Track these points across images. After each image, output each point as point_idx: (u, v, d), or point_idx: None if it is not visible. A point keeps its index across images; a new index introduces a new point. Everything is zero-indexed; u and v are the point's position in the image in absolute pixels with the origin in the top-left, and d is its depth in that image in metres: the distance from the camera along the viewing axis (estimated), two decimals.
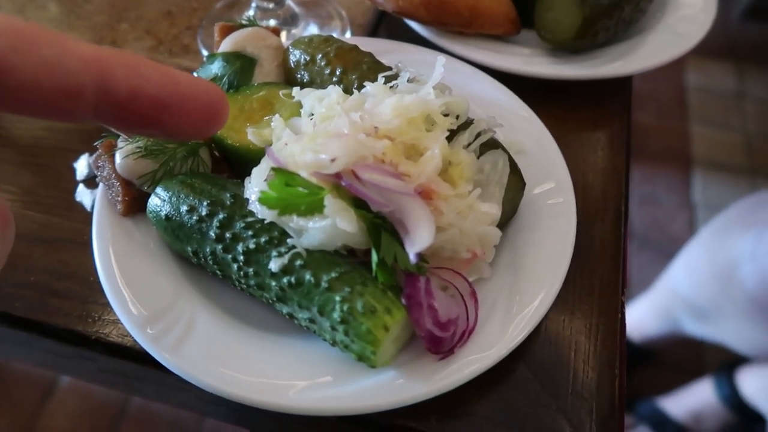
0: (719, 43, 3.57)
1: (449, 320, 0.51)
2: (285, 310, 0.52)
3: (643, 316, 1.79)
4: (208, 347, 0.52)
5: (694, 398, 1.73)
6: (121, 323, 0.56)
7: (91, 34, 0.85)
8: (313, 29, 0.86)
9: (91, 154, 0.72)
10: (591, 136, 0.78)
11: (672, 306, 1.61)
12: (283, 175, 0.49)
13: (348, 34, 0.86)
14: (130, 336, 0.58)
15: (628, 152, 0.77)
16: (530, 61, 0.79)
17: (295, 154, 0.54)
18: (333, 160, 0.50)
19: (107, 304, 0.59)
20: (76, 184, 0.70)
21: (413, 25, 0.83)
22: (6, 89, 0.26)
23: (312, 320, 0.51)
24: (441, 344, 0.50)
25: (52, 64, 0.26)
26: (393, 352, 0.51)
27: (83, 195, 0.68)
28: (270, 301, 0.53)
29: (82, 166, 0.71)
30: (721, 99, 3.28)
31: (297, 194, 0.49)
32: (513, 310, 0.55)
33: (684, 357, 2.07)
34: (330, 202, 0.49)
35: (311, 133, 0.57)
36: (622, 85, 0.84)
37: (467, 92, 0.68)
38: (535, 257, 0.59)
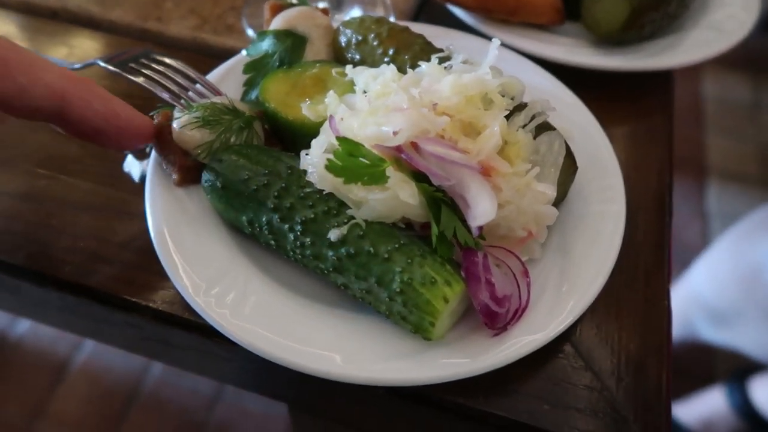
0: (736, 53, 3.56)
1: (505, 296, 0.51)
2: (340, 280, 0.53)
3: None
4: (262, 314, 0.52)
5: (706, 405, 1.72)
6: (173, 290, 0.57)
7: (136, 11, 0.86)
8: (356, 13, 0.86)
9: None
10: (633, 128, 0.78)
11: (689, 311, 1.61)
12: (347, 144, 0.50)
13: (391, 19, 0.86)
14: (178, 304, 0.58)
15: (671, 145, 0.77)
16: (574, 51, 0.80)
17: (354, 127, 0.54)
18: (396, 133, 0.51)
19: (157, 272, 0.60)
20: (123, 155, 0.70)
21: (457, 11, 0.83)
22: None
23: (368, 291, 0.51)
24: (497, 319, 0.51)
25: (22, 90, 0.37)
26: (448, 325, 0.51)
27: (131, 166, 0.69)
28: (325, 272, 0.53)
29: None
30: (737, 109, 3.27)
31: (360, 165, 0.50)
32: (563, 292, 0.55)
33: (695, 364, 2.06)
34: (392, 173, 0.50)
35: (368, 108, 0.57)
36: (663, 78, 0.84)
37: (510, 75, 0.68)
38: (585, 241, 0.59)
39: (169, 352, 0.64)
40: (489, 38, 0.79)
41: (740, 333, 1.46)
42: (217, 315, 0.52)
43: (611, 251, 0.58)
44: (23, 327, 2.03)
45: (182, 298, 0.55)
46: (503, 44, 0.78)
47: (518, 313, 0.53)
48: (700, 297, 1.52)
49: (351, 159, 0.49)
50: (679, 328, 1.72)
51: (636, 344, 0.59)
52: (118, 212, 0.66)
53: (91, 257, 0.62)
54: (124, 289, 0.60)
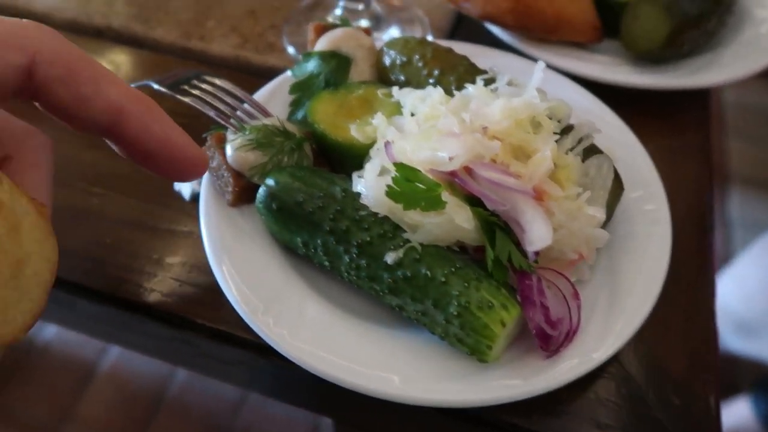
0: None
1: (558, 319, 0.52)
2: (395, 302, 0.54)
3: None
4: (319, 335, 0.54)
5: (731, 416, 1.71)
6: (228, 308, 0.58)
7: (179, 30, 0.88)
8: (395, 32, 0.88)
9: None
10: (671, 145, 0.79)
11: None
12: (404, 170, 0.51)
13: (429, 38, 0.87)
14: (234, 323, 0.60)
15: (710, 162, 0.78)
16: (612, 69, 0.80)
17: (407, 151, 0.55)
18: (452, 158, 0.52)
19: (211, 290, 0.61)
20: None
21: (495, 29, 0.84)
22: (44, 105, 0.37)
23: (424, 313, 0.52)
24: (551, 342, 0.51)
25: (83, 100, 0.36)
26: (503, 348, 0.52)
27: (182, 185, 0.71)
28: (380, 293, 0.55)
29: None
30: (760, 116, 3.24)
31: (417, 190, 0.51)
32: (613, 313, 0.56)
33: (720, 373, 2.05)
34: (448, 198, 0.51)
35: (419, 131, 0.58)
36: (700, 95, 0.85)
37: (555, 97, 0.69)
38: (632, 263, 0.60)
39: (220, 368, 0.66)
40: (527, 56, 0.80)
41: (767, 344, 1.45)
42: (275, 335, 0.53)
43: (659, 274, 0.58)
44: (50, 332, 2.06)
45: (237, 316, 0.56)
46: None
47: (570, 336, 0.53)
48: (728, 308, 1.51)
49: (408, 184, 0.51)
50: None
51: (683, 365, 0.59)
52: (171, 231, 0.67)
53: (146, 275, 0.64)
54: (179, 306, 0.62)
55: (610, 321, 0.55)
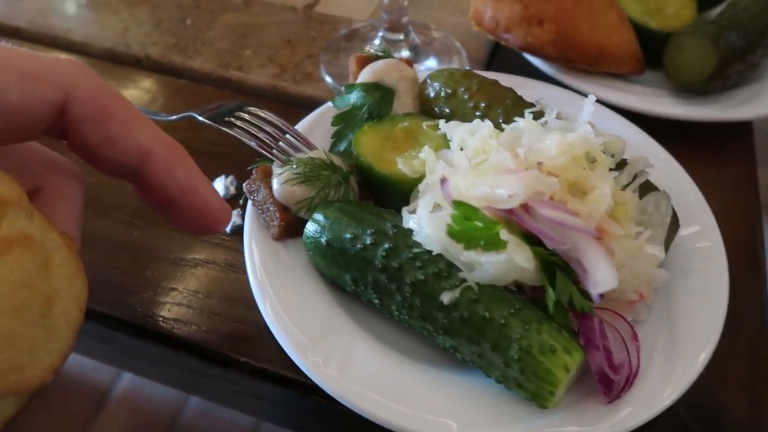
0: None
1: (620, 363, 0.50)
2: (449, 343, 0.52)
3: None
4: (371, 376, 0.52)
5: None
6: (272, 345, 0.57)
7: (216, 60, 0.88)
8: (432, 63, 0.87)
9: (227, 176, 0.73)
10: (718, 178, 0.77)
11: None
12: (463, 208, 0.49)
13: (467, 69, 0.87)
14: (278, 361, 0.58)
15: (758, 194, 0.76)
16: (655, 100, 0.79)
17: (461, 187, 0.54)
18: (511, 195, 0.50)
19: (255, 325, 0.60)
20: None
21: (534, 60, 0.83)
22: (72, 144, 0.36)
23: (480, 355, 0.50)
24: (613, 387, 0.49)
25: (112, 141, 0.35)
26: (563, 393, 0.50)
27: None
28: (433, 333, 0.53)
29: (218, 187, 0.72)
30: None
31: (475, 228, 0.50)
32: (673, 357, 0.54)
33: None
34: (508, 237, 0.49)
35: (470, 166, 0.57)
36: (744, 127, 0.83)
37: (602, 131, 0.68)
38: (690, 303, 0.58)
39: (260, 405, 0.64)
40: (567, 87, 0.79)
41: None
42: (325, 377, 0.51)
43: (718, 315, 0.56)
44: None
45: (281, 353, 0.54)
46: (582, 94, 0.78)
47: (630, 380, 0.51)
48: None
49: (467, 223, 0.49)
50: None
51: (744, 411, 0.57)
52: (212, 264, 0.66)
53: (186, 309, 0.62)
54: (221, 343, 0.60)
55: (670, 365, 0.53)
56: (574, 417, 0.50)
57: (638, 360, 0.53)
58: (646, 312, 0.56)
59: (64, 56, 0.35)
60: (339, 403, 0.51)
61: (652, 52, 0.81)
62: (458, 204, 0.50)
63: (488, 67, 0.91)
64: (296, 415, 0.65)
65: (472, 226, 0.49)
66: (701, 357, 0.53)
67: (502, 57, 0.92)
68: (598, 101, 0.76)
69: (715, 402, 0.57)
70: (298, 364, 0.53)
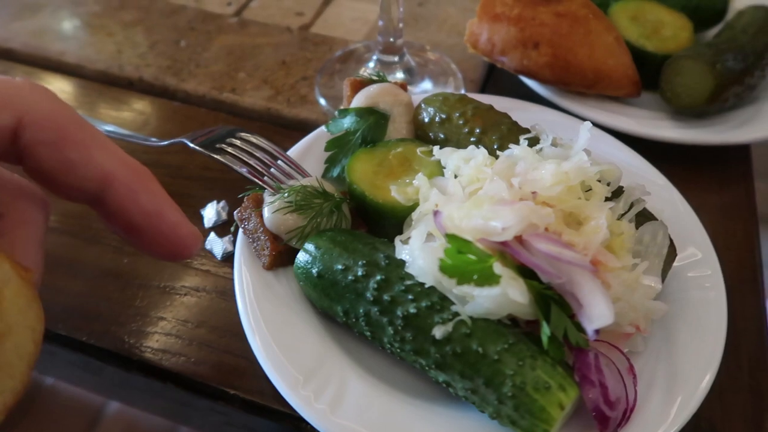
0: None
1: (617, 398, 0.49)
2: (442, 377, 0.51)
3: None
4: (363, 411, 0.51)
5: None
6: (262, 378, 0.56)
7: (211, 82, 0.87)
8: (427, 85, 0.87)
9: (218, 202, 0.72)
10: (716, 202, 0.76)
11: None
12: (456, 241, 0.49)
13: (462, 91, 0.86)
14: (268, 393, 0.57)
15: (756, 219, 0.75)
16: (651, 123, 0.78)
17: (455, 217, 0.53)
18: (505, 228, 0.49)
19: (245, 357, 0.59)
20: (206, 231, 0.70)
21: (530, 83, 0.83)
22: (29, 170, 0.34)
23: (474, 391, 0.49)
24: (609, 423, 0.48)
25: (70, 166, 0.33)
26: (559, 430, 0.49)
27: (213, 243, 0.69)
28: (426, 368, 0.52)
29: (210, 213, 0.71)
30: None
31: (468, 261, 0.49)
32: (671, 389, 0.53)
33: None
34: (500, 270, 0.48)
35: (464, 195, 0.56)
36: (741, 150, 0.83)
37: (598, 156, 0.67)
38: (688, 333, 0.56)
39: None
40: (564, 110, 0.78)
41: None
42: (316, 412, 0.50)
43: (717, 344, 0.55)
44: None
45: (272, 386, 0.53)
46: (579, 117, 0.77)
47: (627, 415, 0.50)
48: None
49: (460, 256, 0.48)
50: None
51: None
52: (202, 292, 0.65)
53: (176, 340, 0.61)
54: (210, 374, 0.59)
55: (669, 397, 0.52)
56: None
57: (635, 393, 0.51)
58: (642, 343, 0.55)
59: (19, 78, 0.34)
60: None
61: (649, 75, 0.81)
62: (451, 237, 0.49)
63: (484, 89, 0.91)
64: None
65: (466, 259, 0.48)
66: (700, 389, 0.52)
67: (498, 79, 0.92)
68: (595, 124, 0.76)
69: (713, 429, 0.56)
70: (288, 400, 0.51)
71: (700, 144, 0.76)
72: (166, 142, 0.71)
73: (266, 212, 0.59)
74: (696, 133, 0.77)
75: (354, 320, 0.54)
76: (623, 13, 0.86)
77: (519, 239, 0.51)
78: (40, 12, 1.00)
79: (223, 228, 0.71)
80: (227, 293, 0.65)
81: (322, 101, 0.84)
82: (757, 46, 0.79)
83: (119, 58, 0.91)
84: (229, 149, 0.67)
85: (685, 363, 0.54)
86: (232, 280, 0.60)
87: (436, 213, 0.53)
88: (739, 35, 0.80)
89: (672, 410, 0.51)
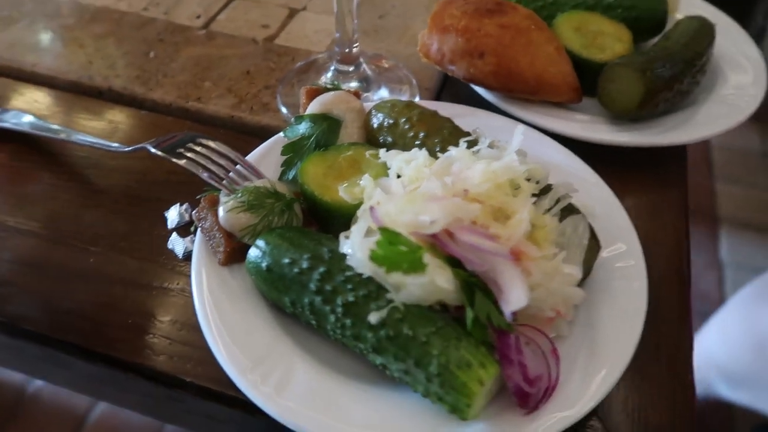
0: None
1: (537, 376, 0.54)
2: (379, 360, 0.56)
3: None
4: (307, 395, 0.55)
5: None
6: (218, 367, 0.60)
7: (177, 92, 0.92)
8: (384, 92, 0.91)
9: (181, 204, 0.77)
10: (650, 201, 0.82)
11: (706, 370, 1.60)
12: (387, 233, 0.53)
13: (417, 98, 0.91)
14: (223, 381, 0.61)
15: (687, 217, 0.81)
16: (591, 127, 0.84)
17: (391, 213, 0.58)
18: (433, 222, 0.54)
19: (202, 348, 0.63)
20: (168, 232, 0.74)
21: (479, 90, 0.88)
22: None
23: (406, 371, 0.54)
24: (529, 399, 0.53)
25: None
26: (482, 405, 0.53)
27: (175, 243, 0.73)
28: (364, 352, 0.56)
29: (173, 215, 0.75)
30: (746, 158, 3.30)
31: (399, 252, 0.53)
32: (592, 368, 0.58)
33: (715, 419, 2.04)
34: (429, 260, 0.53)
35: (404, 193, 0.61)
36: (677, 151, 0.88)
37: (536, 156, 0.73)
38: (610, 319, 0.61)
39: (210, 425, 0.67)
40: (510, 116, 0.84)
41: (757, 396, 1.45)
42: (262, 395, 0.54)
43: (635, 329, 0.60)
44: (40, 380, 2.05)
45: (225, 374, 0.57)
46: (524, 122, 0.83)
47: (549, 392, 0.55)
48: (714, 359, 1.52)
49: (391, 247, 0.53)
50: (697, 386, 1.72)
51: (662, 418, 0.60)
52: (165, 289, 0.69)
53: (139, 334, 0.65)
54: (169, 365, 0.63)
55: (589, 376, 0.57)
56: (494, 428, 0.53)
57: (558, 373, 0.56)
58: (567, 328, 0.60)
59: None
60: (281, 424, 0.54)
61: (590, 82, 0.86)
62: (383, 230, 0.54)
63: (439, 96, 0.96)
64: None
65: (397, 250, 0.53)
66: (617, 369, 0.57)
67: (452, 86, 0.97)
68: (539, 128, 0.82)
69: (638, 410, 0.61)
70: (237, 384, 0.56)
71: (633, 146, 0.82)
72: (129, 148, 0.75)
73: (221, 211, 0.64)
74: (630, 135, 0.82)
75: (300, 310, 0.59)
76: (567, 24, 0.92)
77: (448, 232, 0.55)
78: (15, 24, 1.04)
79: (185, 229, 0.75)
80: (187, 290, 0.69)
81: (283, 109, 0.89)
82: (687, 54, 0.84)
83: (90, 69, 0.95)
84: (190, 154, 0.72)
85: (605, 346, 0.59)
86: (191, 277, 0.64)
87: (372, 208, 0.58)
88: (673, 44, 0.86)
89: (591, 387, 0.56)
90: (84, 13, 1.07)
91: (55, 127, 0.83)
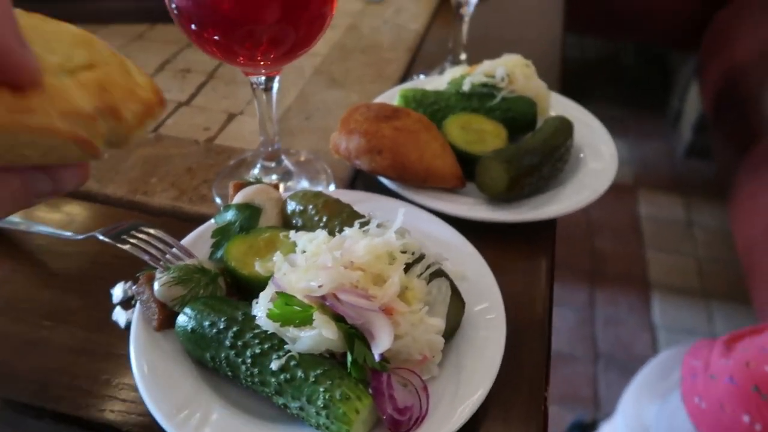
0: (667, 177, 3.98)
1: (406, 407, 0.68)
2: (281, 401, 0.69)
3: None
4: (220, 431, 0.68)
5: None
6: (151, 417, 0.72)
7: (127, 187, 1.07)
8: (304, 182, 1.09)
9: (126, 282, 0.90)
10: (522, 268, 0.99)
11: None
12: (283, 296, 0.68)
13: (332, 187, 1.09)
14: (155, 427, 0.73)
15: (552, 281, 0.98)
16: (473, 208, 1.02)
17: (292, 281, 0.73)
18: (320, 286, 0.70)
19: (138, 402, 0.75)
20: (112, 306, 0.87)
21: (383, 180, 1.06)
22: None
23: (302, 408, 0.67)
24: (400, 426, 0.67)
25: None
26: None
27: (118, 315, 0.86)
28: (269, 394, 0.69)
29: (118, 291, 0.89)
30: (672, 227, 3.59)
31: (293, 311, 0.68)
32: (456, 401, 0.72)
33: None
34: (317, 316, 0.68)
35: (304, 266, 0.77)
36: (548, 225, 1.07)
37: (424, 232, 0.90)
38: (474, 361, 0.76)
39: None
40: (406, 200, 1.01)
41: None
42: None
43: (493, 368, 0.75)
44: None
45: (157, 422, 0.69)
46: (418, 204, 1.00)
47: (419, 420, 0.69)
48: None
49: (286, 307, 0.68)
50: None
51: None
52: (108, 354, 0.82)
53: (84, 393, 0.77)
54: (110, 416, 0.74)
55: (453, 407, 0.71)
56: None
57: (428, 405, 0.70)
58: (437, 370, 0.75)
59: None
60: None
61: (472, 170, 1.05)
62: (280, 294, 0.69)
63: (353, 185, 1.13)
64: None
65: (291, 309, 0.68)
66: (476, 396, 0.72)
67: (363, 176, 1.15)
68: (430, 210, 0.99)
69: None
70: (164, 427, 0.68)
71: (506, 222, 1.00)
72: (81, 236, 0.89)
73: (156, 285, 0.78)
74: (502, 213, 1.00)
75: (218, 363, 0.72)
76: (455, 123, 1.12)
77: (334, 295, 0.71)
78: None
79: (128, 303, 0.88)
80: (127, 354, 0.81)
81: (218, 199, 1.05)
82: (546, 148, 1.05)
83: None
84: (133, 240, 0.87)
85: (467, 382, 0.74)
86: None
87: (274, 278, 0.73)
88: (535, 139, 1.07)
89: (454, 417, 0.70)
90: None
91: (17, 219, 0.97)
